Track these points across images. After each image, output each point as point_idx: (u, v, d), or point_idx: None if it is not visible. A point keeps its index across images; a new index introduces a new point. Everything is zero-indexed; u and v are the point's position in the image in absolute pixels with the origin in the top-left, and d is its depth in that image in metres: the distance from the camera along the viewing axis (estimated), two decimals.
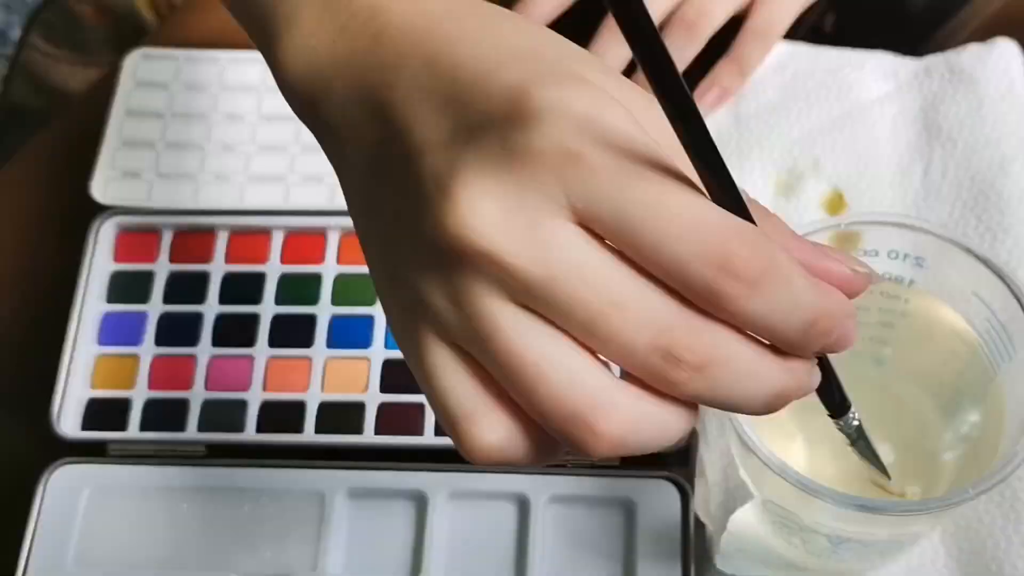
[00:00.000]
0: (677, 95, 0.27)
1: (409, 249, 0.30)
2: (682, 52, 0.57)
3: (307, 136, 0.56)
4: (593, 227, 0.28)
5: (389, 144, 0.31)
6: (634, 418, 0.29)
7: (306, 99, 0.34)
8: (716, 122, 0.58)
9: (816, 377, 0.31)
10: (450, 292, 0.29)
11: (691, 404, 0.29)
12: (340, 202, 0.35)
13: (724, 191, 0.28)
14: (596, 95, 0.29)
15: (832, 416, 0.36)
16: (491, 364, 0.29)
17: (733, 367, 0.28)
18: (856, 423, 0.38)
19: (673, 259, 0.28)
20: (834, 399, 0.35)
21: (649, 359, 0.28)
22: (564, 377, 0.28)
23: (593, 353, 0.29)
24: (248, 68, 0.61)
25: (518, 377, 0.29)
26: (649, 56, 0.26)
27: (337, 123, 0.33)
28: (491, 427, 0.30)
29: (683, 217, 0.27)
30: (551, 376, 0.28)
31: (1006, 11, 0.61)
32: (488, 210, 0.28)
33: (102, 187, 0.57)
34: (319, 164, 0.58)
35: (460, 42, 0.31)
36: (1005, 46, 0.57)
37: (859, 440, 0.39)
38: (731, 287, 0.27)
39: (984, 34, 0.58)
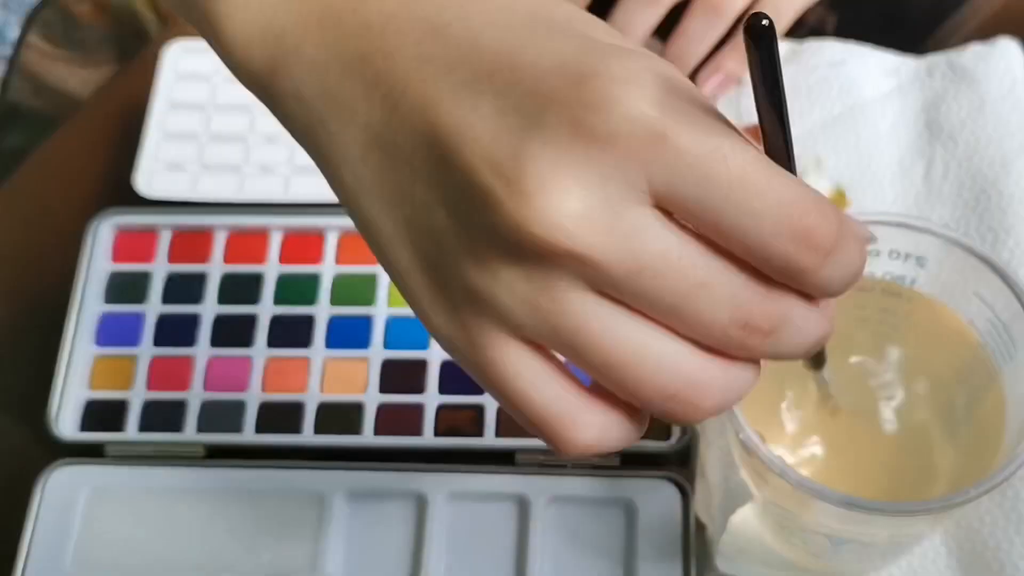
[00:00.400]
0: (766, 44, 0.27)
1: (462, 244, 0.29)
2: (706, 34, 0.57)
3: None
4: (672, 209, 0.28)
5: (403, 126, 0.29)
6: (725, 389, 0.30)
7: (263, 67, 0.31)
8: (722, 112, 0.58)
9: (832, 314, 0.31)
10: (527, 290, 0.28)
11: (755, 363, 0.30)
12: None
13: (785, 157, 0.29)
14: (660, 65, 0.28)
15: (811, 367, 0.38)
16: (580, 359, 0.29)
17: (794, 326, 0.29)
18: (826, 375, 0.39)
19: (759, 238, 0.28)
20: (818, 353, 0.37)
21: (729, 331, 0.29)
22: (662, 361, 0.29)
23: (676, 333, 0.29)
24: None
25: (616, 369, 0.29)
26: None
27: (312, 93, 0.31)
28: (587, 425, 0.30)
29: (768, 196, 0.28)
30: (650, 362, 0.29)
31: (1005, 11, 0.61)
32: (570, 206, 0.27)
33: (147, 180, 0.58)
34: None
35: (462, 6, 0.29)
36: (1007, 45, 0.57)
37: (823, 391, 0.40)
38: (810, 259, 0.28)
39: (983, 34, 0.58)
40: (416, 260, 0.30)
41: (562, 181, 0.27)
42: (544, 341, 0.29)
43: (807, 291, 0.29)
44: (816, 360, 0.38)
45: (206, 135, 0.60)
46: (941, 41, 0.59)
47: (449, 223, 0.29)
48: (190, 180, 0.58)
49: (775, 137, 0.29)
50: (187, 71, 0.62)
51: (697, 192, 0.27)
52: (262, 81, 0.32)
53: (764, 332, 0.29)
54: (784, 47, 0.60)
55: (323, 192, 0.57)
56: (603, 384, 0.30)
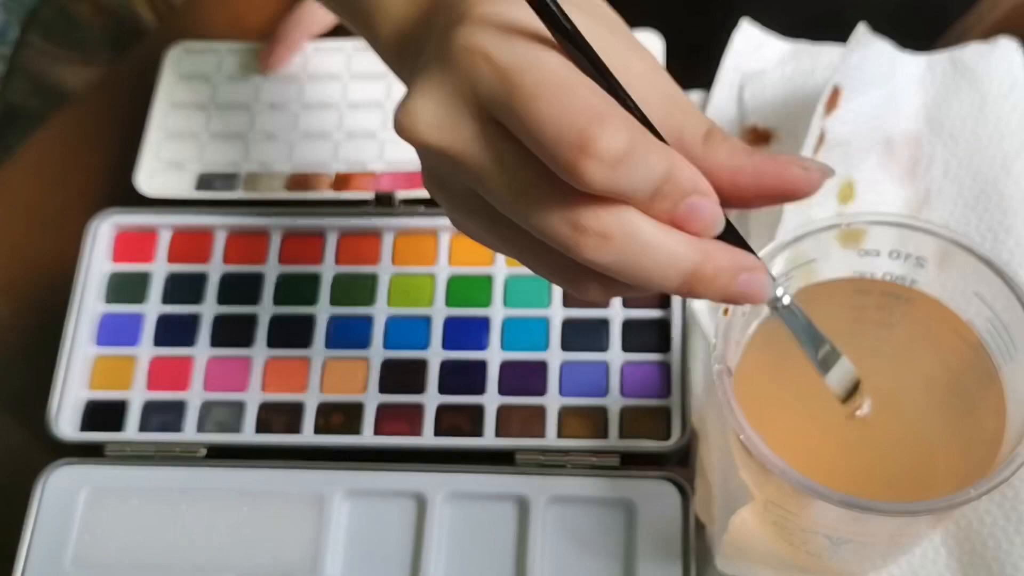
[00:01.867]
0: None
1: None
2: None
3: (351, 123, 0.59)
4: (496, 117, 0.33)
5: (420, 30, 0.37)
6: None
7: (396, 53, 0.39)
8: (721, 112, 0.58)
9: (741, 260, 0.33)
10: (435, 188, 0.36)
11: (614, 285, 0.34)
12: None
13: (591, 72, 0.32)
14: (510, 8, 0.33)
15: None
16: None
17: (638, 240, 0.32)
18: (785, 300, 0.38)
19: (541, 141, 0.31)
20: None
21: (561, 231, 0.32)
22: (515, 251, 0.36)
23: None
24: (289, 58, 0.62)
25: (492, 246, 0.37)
26: None
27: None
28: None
29: (551, 95, 0.31)
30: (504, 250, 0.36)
31: (1012, 16, 0.61)
32: (425, 114, 0.34)
33: (147, 179, 0.58)
34: (363, 151, 0.59)
35: None
36: (1008, 45, 0.57)
37: (792, 320, 0.39)
38: (594, 168, 0.31)
39: (992, 35, 0.58)
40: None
41: (421, 92, 0.34)
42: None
43: (577, 181, 0.32)
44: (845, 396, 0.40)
45: (206, 134, 0.60)
46: (952, 40, 0.59)
47: None
48: (190, 179, 0.58)
49: (581, 61, 0.32)
50: (188, 72, 0.62)
51: (503, 99, 0.32)
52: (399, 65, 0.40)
53: (597, 234, 0.32)
54: (784, 47, 0.60)
55: (322, 192, 0.58)
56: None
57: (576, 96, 0.31)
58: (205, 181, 0.59)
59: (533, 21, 0.33)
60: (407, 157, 0.59)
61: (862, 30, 0.55)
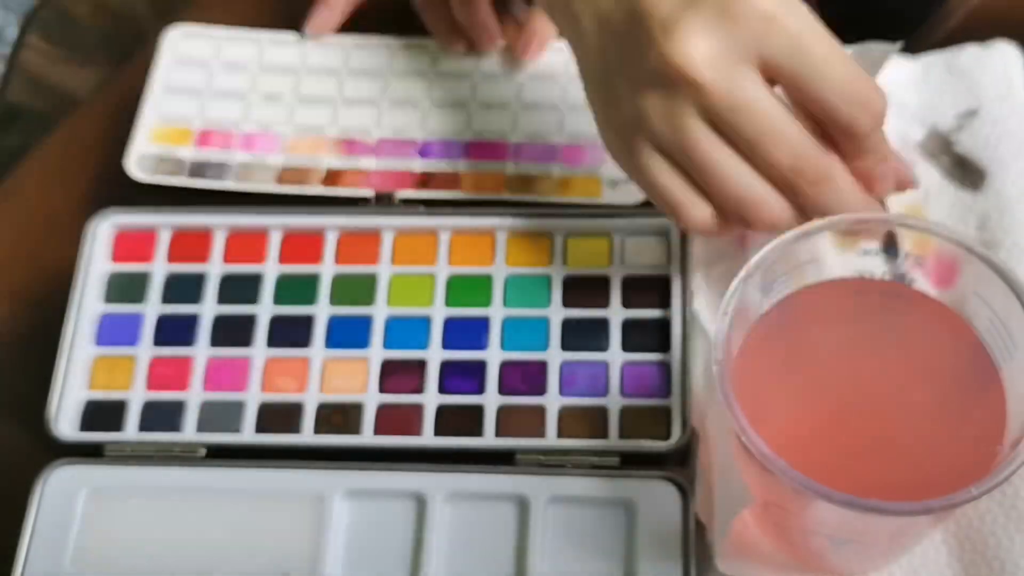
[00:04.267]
0: None
1: (632, 79, 0.44)
2: None
3: (345, 121, 0.59)
4: (774, 74, 0.43)
5: (619, 9, 0.44)
6: (779, 211, 0.45)
7: None
8: None
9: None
10: (665, 111, 0.43)
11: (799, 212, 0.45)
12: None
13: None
14: None
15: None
16: (693, 168, 0.44)
17: (837, 184, 0.44)
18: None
19: (833, 100, 0.43)
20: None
21: (786, 172, 0.44)
22: (739, 178, 0.44)
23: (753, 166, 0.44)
24: (287, 49, 0.62)
25: (711, 175, 0.44)
26: None
27: (577, 8, 0.46)
28: (697, 210, 0.46)
29: (843, 71, 0.43)
30: (731, 176, 0.44)
31: (983, 11, 0.61)
32: (702, 48, 0.42)
33: (137, 163, 0.58)
34: (357, 147, 0.59)
35: None
36: (1005, 48, 0.57)
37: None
38: (867, 122, 0.43)
39: (961, 34, 0.58)
40: (602, 96, 0.47)
41: (699, 34, 0.42)
42: (674, 154, 0.44)
43: (861, 149, 0.44)
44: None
45: (200, 120, 0.60)
46: (920, 41, 0.59)
47: (627, 67, 0.44)
48: (182, 167, 0.59)
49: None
50: (185, 56, 0.62)
51: (793, 62, 0.42)
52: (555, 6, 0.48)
53: (810, 181, 0.44)
54: None
55: (313, 187, 0.58)
56: (702, 185, 0.45)
57: (849, 61, 0.43)
58: (197, 169, 0.59)
59: None
60: (398, 156, 0.59)
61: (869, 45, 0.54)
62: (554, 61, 0.61)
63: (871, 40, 0.54)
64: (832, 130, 0.44)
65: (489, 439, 0.51)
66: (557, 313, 0.54)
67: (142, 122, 0.60)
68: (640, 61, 0.43)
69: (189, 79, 0.62)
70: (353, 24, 0.63)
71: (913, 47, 0.58)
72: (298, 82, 0.61)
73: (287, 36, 0.63)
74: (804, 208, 0.44)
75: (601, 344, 0.53)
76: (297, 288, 0.55)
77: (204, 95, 0.61)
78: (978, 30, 0.58)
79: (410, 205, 0.57)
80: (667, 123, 0.43)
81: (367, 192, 0.57)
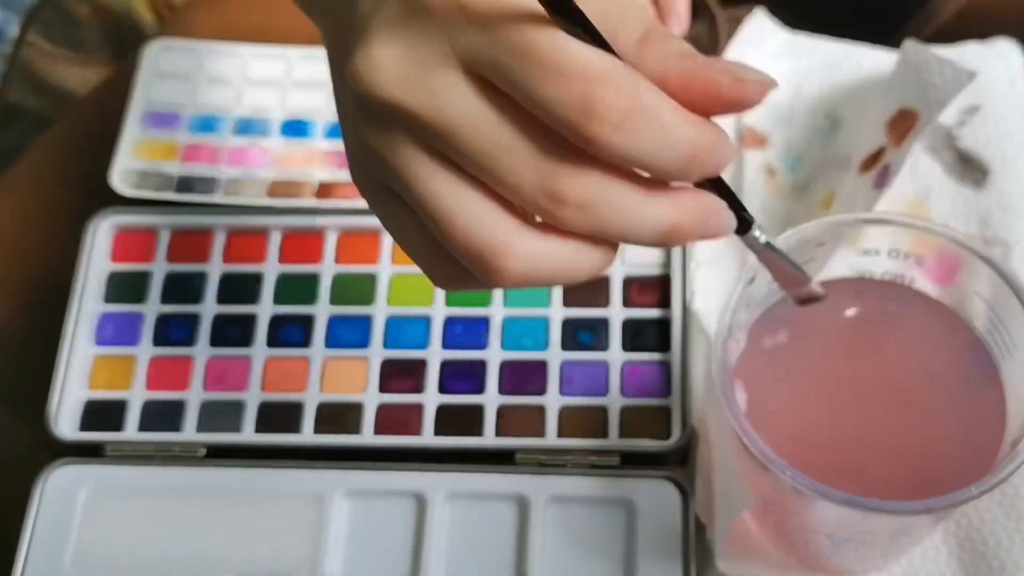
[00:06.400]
0: None
1: (347, 100, 0.34)
2: None
3: (335, 133, 0.58)
4: (481, 73, 0.31)
5: (343, 19, 0.34)
6: (534, 255, 0.32)
7: None
8: None
9: (709, 205, 0.33)
10: (377, 140, 0.32)
11: (603, 242, 0.32)
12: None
13: (578, 27, 0.30)
14: None
15: (736, 233, 0.36)
16: (415, 207, 0.33)
17: (617, 204, 0.31)
18: (764, 240, 0.37)
19: (541, 103, 0.30)
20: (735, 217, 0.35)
21: (537, 199, 0.31)
22: (469, 221, 0.31)
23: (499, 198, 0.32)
24: (271, 63, 0.62)
25: (434, 219, 0.32)
26: None
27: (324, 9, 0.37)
28: (440, 267, 0.34)
29: (550, 64, 0.29)
30: (460, 218, 0.31)
31: (971, 8, 0.61)
32: (389, 63, 0.31)
33: (121, 177, 0.58)
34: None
35: None
36: (1006, 45, 0.57)
37: (769, 252, 0.38)
38: (597, 129, 0.29)
39: (947, 32, 0.58)
40: (344, 129, 0.35)
41: (386, 42, 0.31)
42: (394, 187, 0.33)
43: (614, 162, 0.31)
44: (739, 225, 0.35)
45: (185, 135, 0.60)
46: (909, 37, 0.59)
47: (342, 82, 0.34)
48: (168, 181, 0.58)
49: (567, 23, 0.30)
50: (167, 70, 0.61)
51: (492, 58, 0.30)
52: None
53: (576, 205, 0.31)
54: (780, 39, 0.60)
55: (305, 200, 0.58)
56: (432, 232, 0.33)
57: (576, 51, 0.30)
58: (184, 184, 0.58)
59: None
60: None
61: (911, 45, 0.54)
62: None
63: (862, 39, 0.55)
64: (571, 139, 0.31)
65: (489, 439, 0.51)
66: (557, 313, 0.54)
67: (125, 137, 0.59)
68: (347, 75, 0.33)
69: (172, 93, 0.61)
70: None
71: (896, 43, 0.58)
72: (284, 95, 0.61)
73: (271, 50, 0.62)
74: (590, 239, 0.32)
75: (601, 344, 0.53)
76: (297, 288, 0.55)
77: (188, 108, 0.60)
78: (968, 27, 0.58)
79: None
80: (381, 155, 0.33)
81: (351, 202, 0.57)
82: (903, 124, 0.53)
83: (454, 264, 0.33)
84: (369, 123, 0.32)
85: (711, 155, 0.31)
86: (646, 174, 0.32)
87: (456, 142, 0.31)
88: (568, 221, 0.31)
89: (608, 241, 0.32)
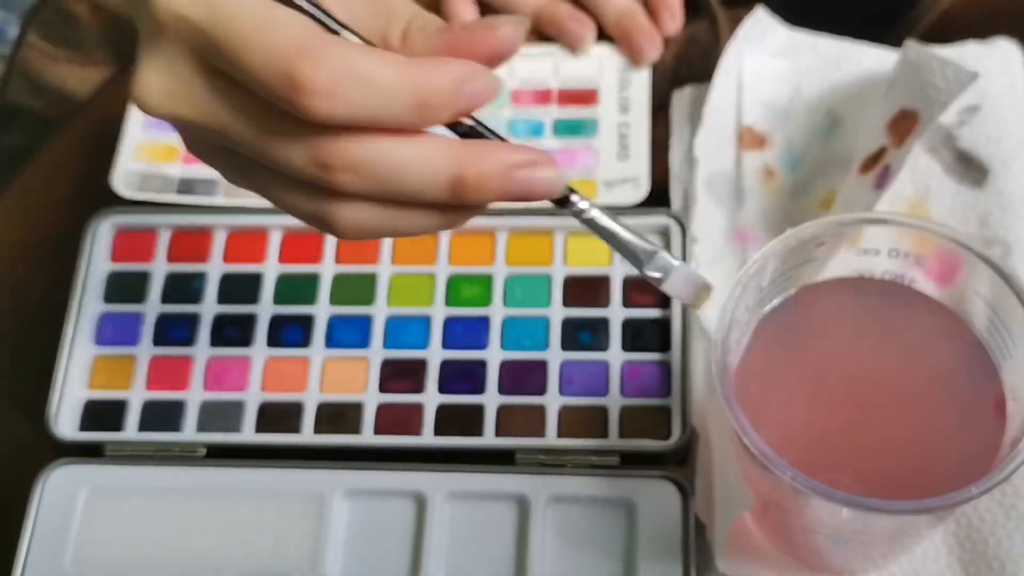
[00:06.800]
0: None
1: None
2: None
3: None
4: (215, 66, 0.34)
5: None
6: (357, 220, 0.35)
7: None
8: (713, 106, 0.58)
9: (496, 156, 0.34)
10: (189, 143, 0.37)
11: (418, 204, 0.35)
12: None
13: (304, 13, 0.33)
14: None
15: (555, 203, 0.37)
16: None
17: (385, 161, 0.33)
18: (585, 208, 0.37)
19: (260, 85, 0.32)
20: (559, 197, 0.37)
21: (310, 172, 0.33)
22: (288, 201, 0.35)
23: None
24: None
25: (267, 199, 0.36)
26: None
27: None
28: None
29: (257, 45, 0.32)
30: (282, 201, 0.36)
31: (956, 7, 0.61)
32: (152, 83, 0.35)
33: (122, 180, 0.58)
34: None
35: None
36: (1006, 45, 0.57)
37: (596, 227, 0.38)
38: (307, 101, 0.32)
39: (937, 32, 0.58)
40: None
41: (147, 66, 0.35)
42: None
43: (324, 124, 0.32)
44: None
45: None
46: (902, 35, 0.59)
47: None
48: (170, 183, 0.58)
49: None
50: None
51: (212, 50, 0.33)
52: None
53: (346, 168, 0.33)
54: (779, 37, 0.60)
55: None
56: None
57: (277, 34, 0.32)
58: (185, 185, 0.58)
59: None
60: None
61: (912, 45, 0.54)
62: (543, 68, 0.61)
63: (857, 36, 0.55)
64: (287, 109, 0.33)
65: (489, 439, 0.51)
66: (557, 313, 0.54)
67: (126, 139, 0.59)
68: None
69: None
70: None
71: (895, 41, 0.58)
72: None
73: None
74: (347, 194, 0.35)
75: (601, 344, 0.53)
76: (297, 288, 0.55)
77: None
78: (960, 26, 0.58)
79: None
80: (200, 156, 0.38)
81: None
82: (904, 124, 0.53)
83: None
84: (177, 131, 0.37)
85: (448, 96, 0.33)
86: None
87: (230, 138, 0.34)
88: (345, 185, 0.33)
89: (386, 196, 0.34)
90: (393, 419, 0.52)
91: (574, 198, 0.37)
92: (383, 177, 0.33)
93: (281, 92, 0.32)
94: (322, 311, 0.55)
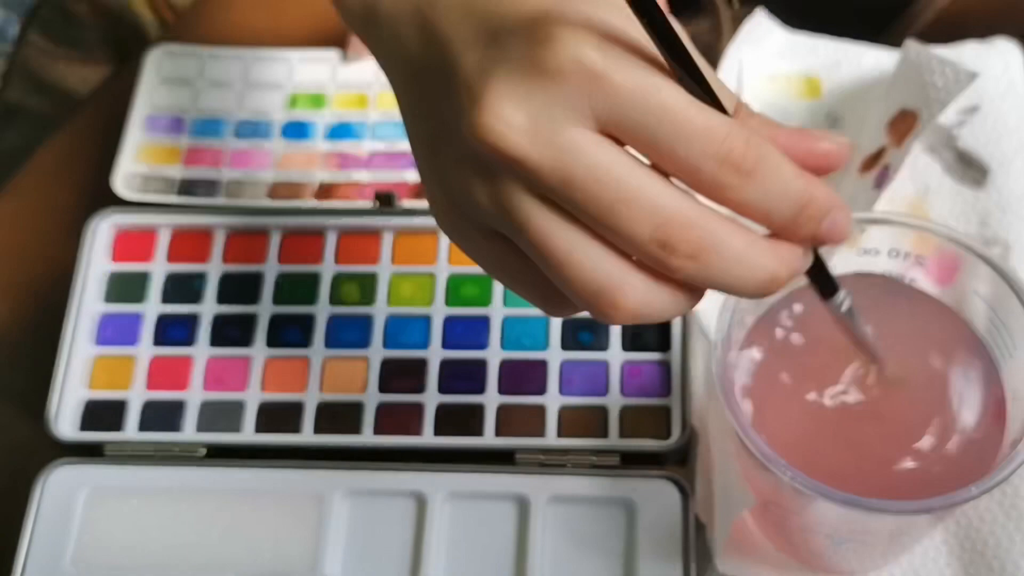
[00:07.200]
0: (654, 12, 0.31)
1: (453, 151, 0.35)
2: None
3: (336, 135, 0.59)
4: (611, 132, 0.33)
5: (432, 55, 0.36)
6: (644, 296, 0.34)
7: (360, 18, 0.39)
8: None
9: (806, 261, 0.35)
10: (489, 189, 0.34)
11: (694, 288, 0.34)
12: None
13: (707, 94, 0.33)
14: (609, 10, 0.33)
15: (823, 298, 0.39)
16: (527, 251, 0.35)
17: (724, 254, 0.33)
18: (847, 306, 0.39)
19: (686, 158, 0.32)
20: (823, 282, 0.39)
21: (650, 248, 0.33)
22: (588, 263, 0.34)
23: (607, 243, 0.34)
24: (273, 66, 0.62)
25: (549, 263, 0.34)
26: None
27: (385, 35, 0.38)
28: (539, 299, 0.37)
29: (694, 122, 0.32)
30: (576, 262, 0.34)
31: (956, 5, 0.61)
32: (516, 119, 0.33)
33: (123, 181, 0.58)
34: (348, 161, 0.59)
35: None
36: (1005, 45, 0.57)
37: (849, 319, 0.40)
38: (733, 178, 0.32)
39: (932, 32, 0.58)
40: (427, 162, 0.37)
41: (511, 99, 0.33)
42: (508, 235, 0.35)
43: (738, 211, 0.33)
44: (827, 289, 0.38)
45: (187, 139, 0.60)
46: (896, 35, 0.59)
47: (448, 136, 0.35)
48: (170, 185, 0.58)
49: (690, 82, 0.33)
50: (169, 75, 0.61)
51: (634, 119, 0.32)
52: (360, 29, 0.40)
53: (686, 254, 0.33)
54: (779, 39, 0.60)
55: (306, 202, 0.58)
56: (546, 274, 0.35)
57: (709, 119, 0.32)
58: (186, 187, 0.58)
59: (627, 28, 0.33)
60: (391, 168, 0.59)
61: (912, 45, 0.54)
62: None
63: (854, 35, 0.55)
64: (698, 190, 0.33)
65: (489, 439, 0.51)
66: None
67: (127, 141, 0.59)
68: (456, 132, 0.35)
69: (174, 97, 0.61)
70: (341, 40, 0.62)
71: (892, 40, 0.58)
72: (285, 98, 0.61)
73: (272, 53, 0.62)
74: (688, 286, 0.34)
75: (601, 343, 0.53)
76: (297, 288, 0.55)
77: (190, 112, 0.61)
78: (959, 25, 0.58)
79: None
80: (491, 202, 0.34)
81: (364, 204, 0.57)
82: (903, 124, 0.53)
83: (562, 298, 0.35)
84: (480, 173, 0.34)
85: (821, 210, 0.33)
86: (752, 225, 0.34)
87: (577, 195, 0.33)
88: (678, 269, 0.33)
89: (700, 286, 0.34)
90: (393, 419, 0.52)
91: (840, 296, 0.39)
92: (713, 271, 0.33)
93: (708, 167, 0.32)
94: (322, 311, 0.55)
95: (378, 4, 0.38)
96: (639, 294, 0.34)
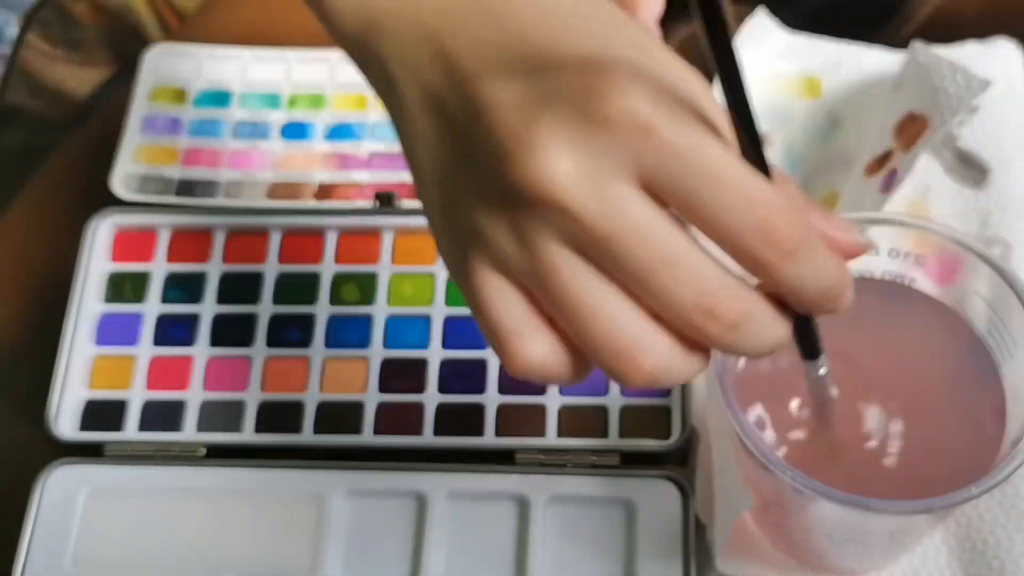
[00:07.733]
0: (731, 65, 0.31)
1: (473, 187, 0.34)
2: None
3: (335, 135, 0.58)
4: (657, 192, 0.32)
5: (451, 86, 0.34)
6: (666, 360, 0.33)
7: (356, 34, 0.37)
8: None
9: (792, 329, 0.35)
10: (516, 231, 0.33)
11: (708, 352, 0.33)
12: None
13: (758, 161, 0.32)
14: (666, 67, 0.33)
15: (804, 358, 0.39)
16: (547, 298, 0.33)
17: (756, 325, 0.33)
18: (822, 371, 0.39)
19: (727, 229, 0.31)
20: (809, 345, 0.38)
21: (692, 315, 0.32)
22: (614, 320, 0.32)
23: (637, 301, 0.33)
24: (271, 66, 0.62)
25: (573, 314, 0.33)
26: (713, 30, 0.30)
27: (388, 57, 0.36)
28: (535, 343, 0.34)
29: (738, 192, 0.31)
30: (603, 317, 0.32)
31: (945, 9, 0.61)
32: (566, 166, 0.31)
33: (122, 182, 0.58)
34: (347, 162, 0.59)
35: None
36: (1005, 45, 0.57)
37: (822, 386, 0.40)
38: (772, 255, 0.31)
39: (928, 30, 0.58)
40: (439, 197, 0.35)
41: (562, 147, 0.31)
42: (523, 278, 0.33)
43: (773, 286, 0.32)
44: (811, 352, 0.38)
45: (185, 139, 0.60)
46: (892, 34, 0.59)
47: (468, 170, 0.34)
48: (169, 185, 0.58)
49: (747, 143, 0.32)
50: (167, 75, 0.61)
51: (677, 180, 0.31)
52: (354, 46, 0.38)
53: (726, 324, 0.32)
54: (779, 40, 0.59)
55: (305, 202, 0.58)
56: (561, 325, 0.33)
57: (759, 185, 0.31)
58: (185, 187, 0.58)
59: (674, 81, 0.33)
60: (391, 168, 0.59)
61: (920, 47, 0.54)
62: None
63: (851, 34, 0.55)
64: (737, 262, 0.33)
65: (489, 438, 0.51)
66: None
67: (126, 141, 0.59)
68: (483, 168, 0.33)
69: (173, 97, 0.61)
70: None
71: (888, 39, 0.58)
72: (284, 98, 0.61)
73: (270, 52, 0.62)
74: (715, 349, 0.34)
75: None
76: (297, 288, 0.55)
77: (188, 112, 0.61)
78: (956, 24, 0.58)
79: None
80: (517, 243, 0.33)
81: (364, 204, 0.57)
82: (912, 128, 0.53)
83: (540, 343, 0.34)
84: (507, 210, 0.33)
85: (844, 291, 0.34)
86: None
87: (619, 251, 0.32)
88: (717, 338, 0.32)
89: (722, 351, 0.34)
90: (393, 419, 0.52)
91: (821, 360, 0.39)
92: (748, 339, 0.33)
93: (751, 241, 0.31)
94: (322, 311, 0.55)
95: (382, 24, 0.36)
96: (662, 358, 0.33)
